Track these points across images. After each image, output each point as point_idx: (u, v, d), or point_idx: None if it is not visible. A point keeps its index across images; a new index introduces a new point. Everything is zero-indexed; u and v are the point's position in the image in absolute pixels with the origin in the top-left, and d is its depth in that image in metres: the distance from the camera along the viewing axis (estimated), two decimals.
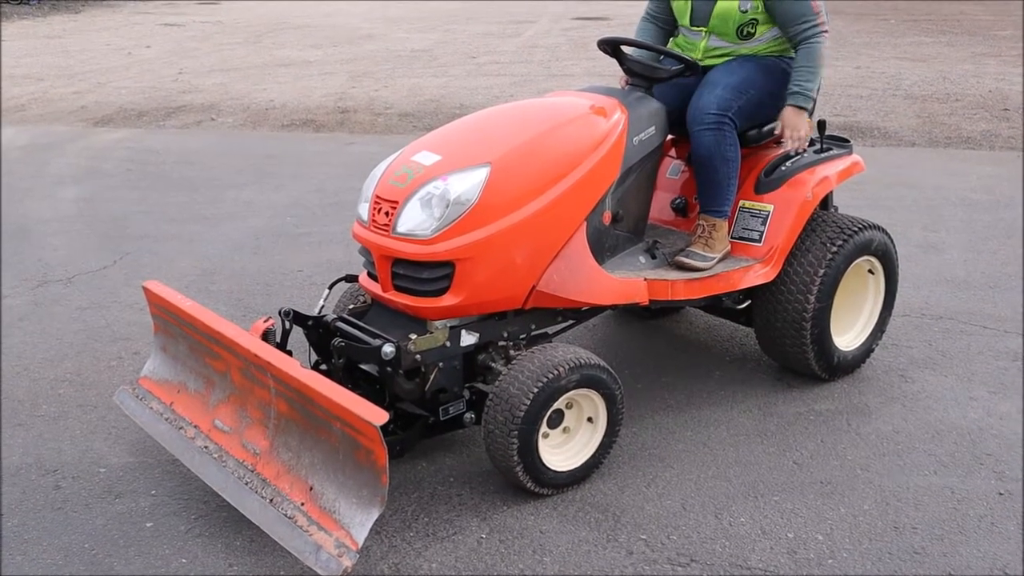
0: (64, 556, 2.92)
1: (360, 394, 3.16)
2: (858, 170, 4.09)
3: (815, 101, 3.78)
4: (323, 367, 3.34)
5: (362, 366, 3.27)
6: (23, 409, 3.85)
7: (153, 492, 3.26)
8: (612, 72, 11.13)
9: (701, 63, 3.81)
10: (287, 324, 3.31)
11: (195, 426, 3.24)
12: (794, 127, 3.72)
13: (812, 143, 3.99)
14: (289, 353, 3.28)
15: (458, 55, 14.68)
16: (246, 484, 2.92)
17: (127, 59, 15.19)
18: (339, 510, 2.69)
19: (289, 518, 2.75)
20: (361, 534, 2.59)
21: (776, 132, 3.80)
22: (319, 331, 3.36)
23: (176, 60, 14.88)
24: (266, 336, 3.21)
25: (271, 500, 2.83)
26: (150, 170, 8.23)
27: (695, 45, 3.86)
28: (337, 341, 3.12)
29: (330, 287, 3.58)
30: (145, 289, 3.51)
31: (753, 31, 3.75)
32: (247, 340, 3.01)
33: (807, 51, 3.69)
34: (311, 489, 2.79)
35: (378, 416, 2.53)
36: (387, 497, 2.60)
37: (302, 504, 2.78)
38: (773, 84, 3.76)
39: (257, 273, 5.49)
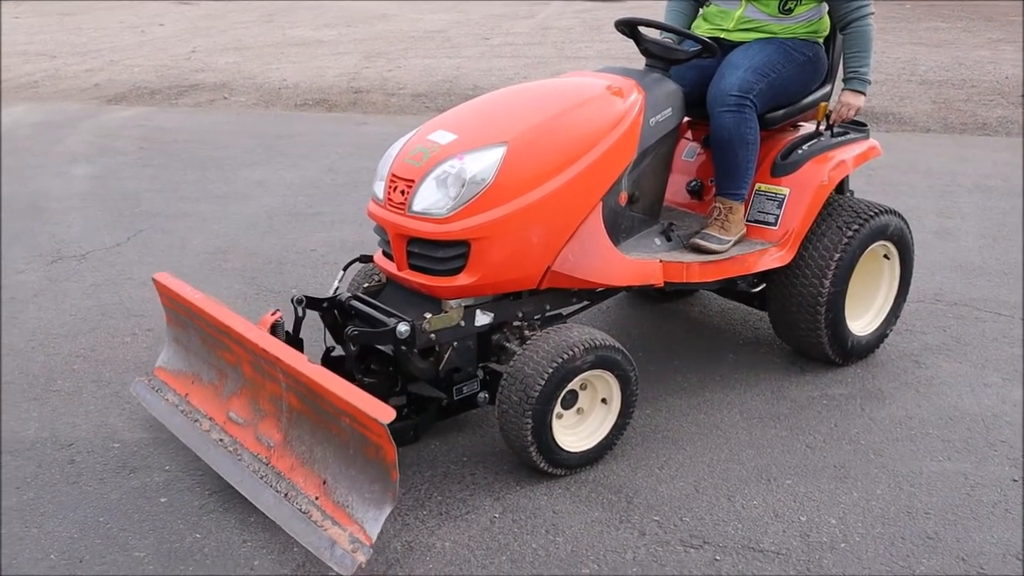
0: (79, 530, 2.93)
1: (372, 380, 3.16)
2: (875, 154, 4.06)
3: (870, 82, 3.83)
4: (334, 353, 3.33)
5: (376, 346, 3.27)
6: (38, 384, 3.87)
7: (167, 467, 3.27)
8: (626, 54, 11.10)
9: (729, 35, 3.80)
10: (300, 312, 3.29)
11: (210, 418, 3.25)
12: (850, 108, 3.83)
13: (829, 127, 3.98)
14: (300, 342, 3.29)
15: (472, 36, 14.63)
16: (261, 478, 2.93)
17: (140, 37, 15.19)
18: (352, 505, 2.69)
19: (304, 513, 2.76)
20: (374, 529, 2.60)
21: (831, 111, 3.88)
22: (334, 312, 3.36)
23: (189, 38, 14.87)
24: (275, 329, 3.17)
25: (286, 494, 2.84)
26: (163, 148, 8.24)
27: (728, 15, 3.83)
28: (350, 330, 3.08)
29: (344, 268, 3.57)
30: (155, 281, 3.50)
31: (793, 7, 3.73)
32: (255, 335, 2.99)
33: (857, 34, 3.74)
34: (325, 483, 2.79)
35: (385, 414, 2.52)
36: (398, 492, 2.61)
37: (316, 498, 2.78)
38: (795, 68, 3.74)
39: (270, 252, 5.49)
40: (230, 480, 3.00)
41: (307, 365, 2.80)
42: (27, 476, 3.22)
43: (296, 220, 6.12)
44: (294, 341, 3.30)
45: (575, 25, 15.60)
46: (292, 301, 3.28)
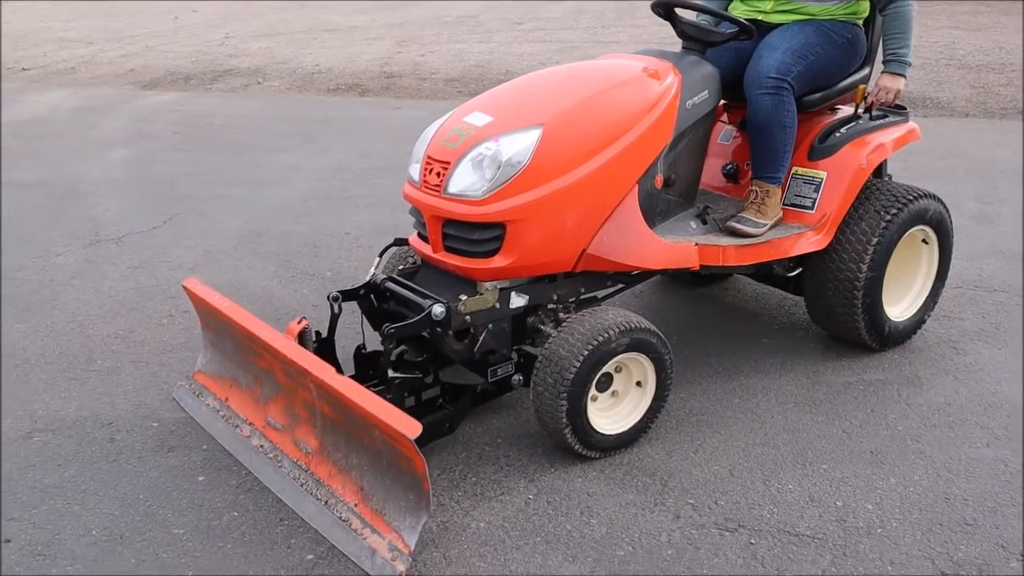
0: (120, 506, 2.97)
1: (404, 374, 3.15)
2: (914, 138, 4.01)
3: (910, 64, 3.77)
4: (366, 351, 3.32)
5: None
6: (78, 364, 3.92)
7: (204, 447, 3.30)
8: (660, 38, 11.03)
9: (767, 17, 3.76)
10: (336, 308, 3.28)
11: (250, 424, 3.26)
12: (888, 91, 3.78)
13: (867, 110, 3.93)
14: (332, 344, 3.29)
15: (503, 21, 14.61)
16: (301, 485, 2.95)
17: (174, 23, 15.29)
18: (388, 512, 2.71)
19: (344, 521, 2.77)
20: (412, 538, 2.61)
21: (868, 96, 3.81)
22: (370, 297, 3.37)
23: (222, 24, 14.96)
24: (302, 337, 3.16)
25: (326, 502, 2.86)
26: (197, 133, 8.31)
27: None
28: (387, 328, 3.07)
29: (380, 255, 3.57)
30: (185, 288, 3.52)
31: None
32: (283, 345, 2.98)
33: (897, 15, 3.69)
34: (362, 490, 2.80)
35: (412, 429, 2.51)
36: (432, 502, 2.62)
37: (355, 505, 2.80)
38: (835, 50, 3.70)
39: (304, 235, 5.52)
40: (272, 488, 3.02)
41: (335, 377, 2.78)
42: (68, 454, 3.26)
43: (330, 204, 6.15)
44: (327, 343, 3.30)
45: (607, 9, 15.52)
46: (328, 299, 3.27)
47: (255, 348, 3.18)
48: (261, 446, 3.16)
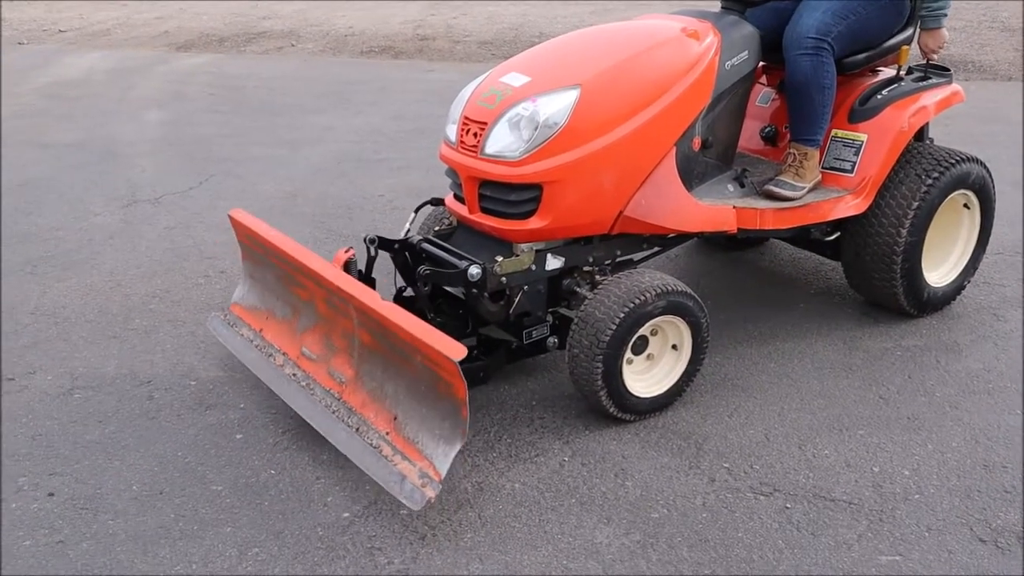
0: (159, 463, 3.01)
1: (443, 320, 3.18)
2: (958, 100, 3.93)
3: (945, 15, 3.73)
4: (406, 294, 3.35)
5: (447, 288, 3.28)
6: (117, 322, 3.96)
7: (242, 405, 3.34)
8: (693, 2, 10.86)
9: None
10: (373, 251, 3.29)
11: (284, 353, 3.28)
12: (931, 49, 3.78)
13: (911, 71, 3.86)
14: (373, 281, 3.30)
15: None
16: (333, 413, 2.97)
17: None
18: (422, 441, 2.71)
19: (375, 447, 2.78)
20: (444, 465, 2.61)
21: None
22: (405, 254, 3.38)
23: None
24: (348, 266, 3.19)
25: (357, 429, 2.87)
26: (232, 95, 8.32)
27: None
28: (423, 269, 3.08)
29: (415, 211, 3.58)
30: (231, 217, 3.54)
31: None
32: (330, 272, 2.99)
33: None
34: (395, 419, 2.81)
35: (457, 351, 2.51)
36: (468, 430, 2.61)
37: (387, 433, 2.81)
38: (876, 11, 3.62)
39: (339, 197, 5.53)
40: (303, 414, 3.04)
41: (380, 303, 2.80)
42: (108, 411, 3.31)
43: (364, 166, 6.15)
44: (366, 280, 3.31)
45: None
46: (364, 240, 3.28)
47: (298, 278, 3.20)
48: (294, 375, 3.18)
